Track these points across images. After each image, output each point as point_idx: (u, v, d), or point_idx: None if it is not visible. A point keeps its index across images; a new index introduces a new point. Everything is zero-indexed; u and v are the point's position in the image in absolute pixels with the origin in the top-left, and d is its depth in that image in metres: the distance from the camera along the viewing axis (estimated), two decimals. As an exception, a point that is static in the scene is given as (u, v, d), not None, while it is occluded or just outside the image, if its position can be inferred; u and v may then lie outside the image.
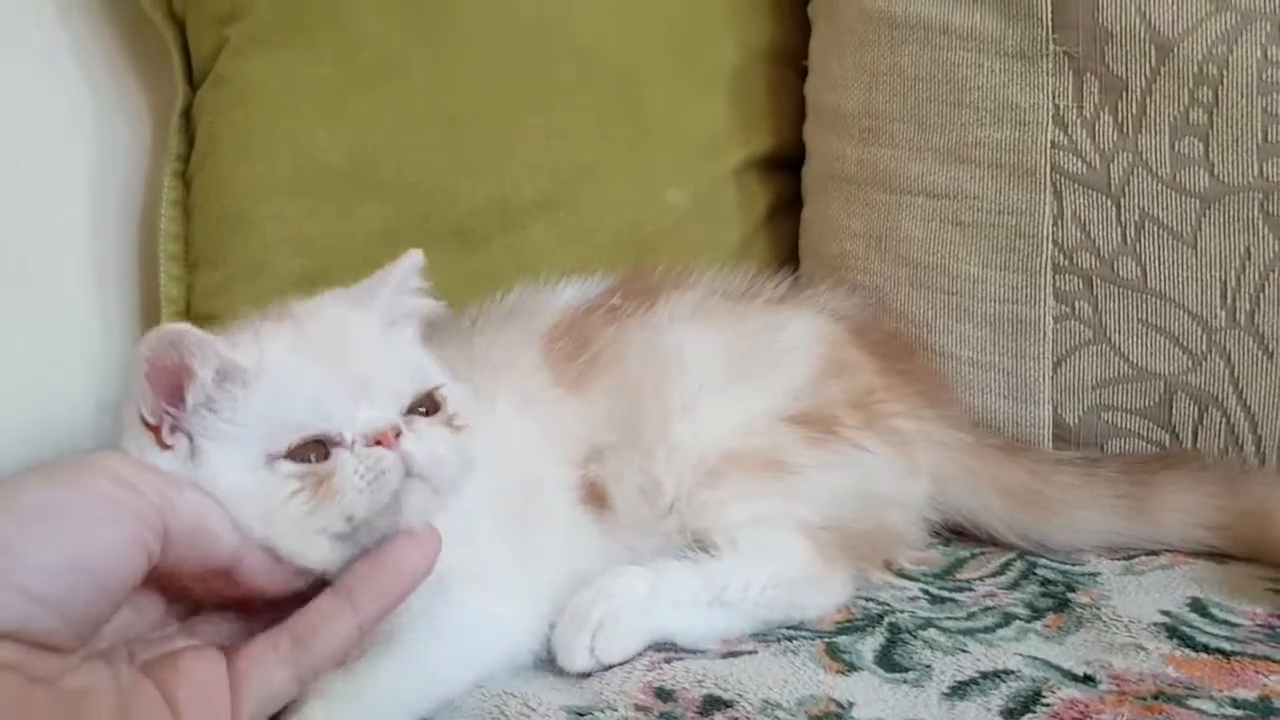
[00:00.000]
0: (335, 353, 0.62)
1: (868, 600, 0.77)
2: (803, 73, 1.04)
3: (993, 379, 0.92)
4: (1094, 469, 0.85)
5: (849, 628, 0.73)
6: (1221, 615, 0.73)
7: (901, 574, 0.82)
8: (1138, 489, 0.84)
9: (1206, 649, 0.68)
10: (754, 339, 0.83)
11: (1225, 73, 0.84)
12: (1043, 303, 0.90)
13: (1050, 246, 0.89)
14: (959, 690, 0.65)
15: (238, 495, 0.58)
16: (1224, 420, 0.87)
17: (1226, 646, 0.68)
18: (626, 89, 0.99)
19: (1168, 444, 0.89)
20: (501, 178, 0.95)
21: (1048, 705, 0.62)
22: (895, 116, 0.94)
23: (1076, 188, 0.88)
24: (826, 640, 0.71)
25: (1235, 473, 0.85)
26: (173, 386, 0.58)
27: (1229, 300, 0.86)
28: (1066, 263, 0.89)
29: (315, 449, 0.59)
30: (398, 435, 0.60)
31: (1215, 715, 0.61)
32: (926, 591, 0.79)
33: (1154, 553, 0.83)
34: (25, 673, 0.49)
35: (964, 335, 0.92)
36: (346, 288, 0.68)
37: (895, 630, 0.72)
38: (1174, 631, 0.70)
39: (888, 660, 0.69)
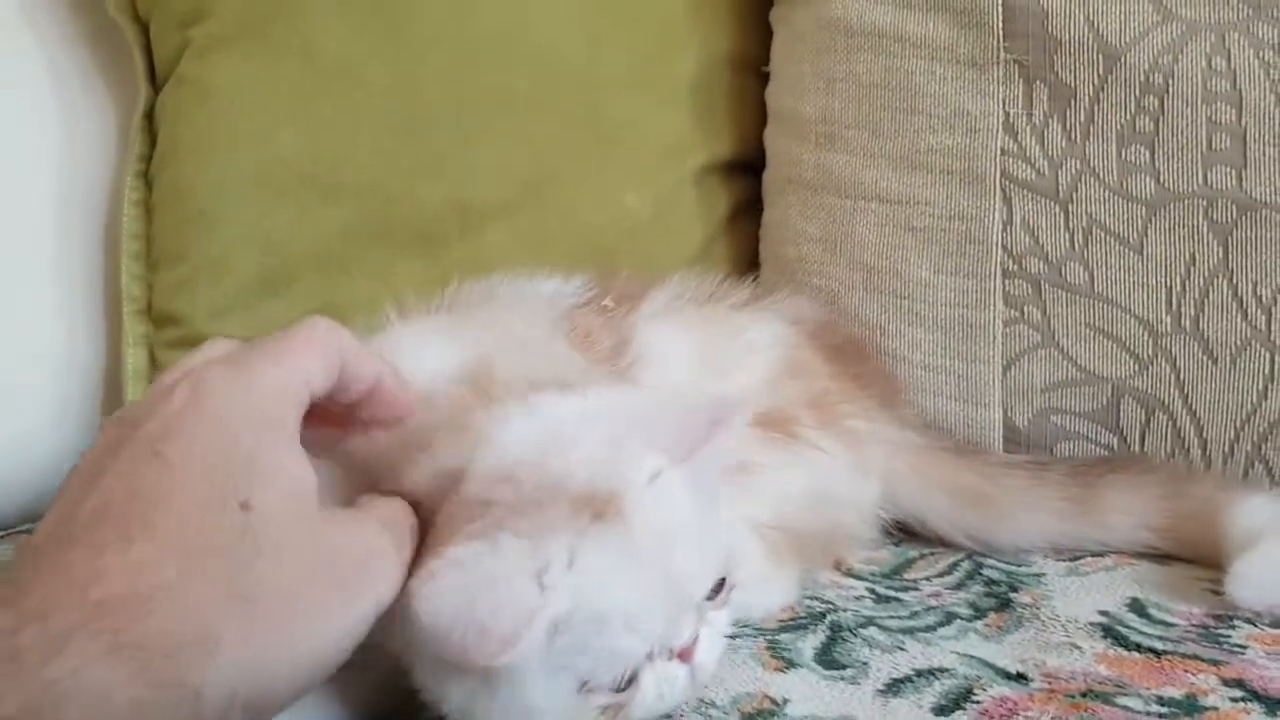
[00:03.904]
0: (665, 553, 0.54)
1: (812, 599, 0.78)
2: (764, 78, 1.06)
3: (944, 382, 0.93)
4: (1041, 472, 0.86)
5: (791, 626, 0.74)
6: (1158, 615, 0.74)
7: (850, 573, 0.83)
8: (1084, 491, 0.85)
9: (1139, 648, 0.69)
10: (718, 341, 0.84)
11: (1171, 82, 0.85)
12: (992, 307, 0.91)
13: (1000, 252, 0.90)
14: (893, 687, 0.66)
15: (534, 713, 0.53)
16: (1170, 424, 0.88)
17: (1159, 646, 0.69)
18: (587, 94, 1.00)
19: (1116, 447, 0.90)
20: (461, 181, 0.96)
21: (978, 702, 0.63)
22: (851, 123, 0.96)
23: (1025, 194, 0.89)
24: (769, 638, 0.72)
25: (1180, 476, 0.86)
26: None
27: (1174, 305, 0.87)
28: (1015, 268, 0.90)
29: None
30: (695, 640, 0.57)
31: (1141, 712, 0.62)
32: (873, 591, 0.80)
33: (1100, 554, 0.84)
34: None
35: (915, 339, 0.94)
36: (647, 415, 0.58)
37: (836, 628, 0.73)
38: (1109, 631, 0.71)
39: (826, 658, 0.70)
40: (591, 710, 0.55)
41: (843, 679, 0.67)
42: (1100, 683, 0.65)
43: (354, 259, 0.93)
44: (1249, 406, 0.86)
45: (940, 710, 0.63)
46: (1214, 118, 0.85)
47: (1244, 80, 0.84)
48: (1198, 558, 0.81)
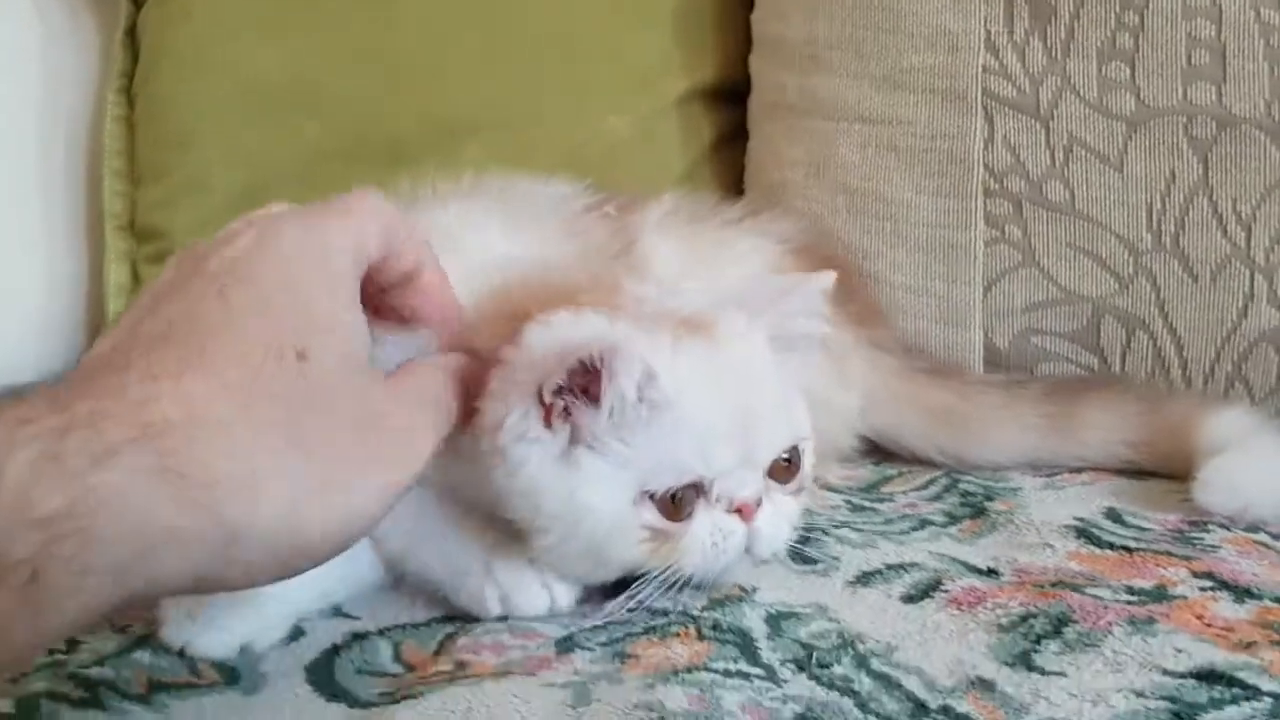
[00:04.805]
0: (742, 389, 0.59)
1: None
2: (749, 3, 1.05)
3: (925, 304, 0.93)
4: (1018, 390, 0.86)
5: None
6: (1134, 521, 0.74)
7: (827, 488, 0.83)
8: (1061, 408, 0.85)
9: (1112, 546, 0.69)
10: (708, 252, 0.84)
11: (1151, -3, 0.85)
12: (974, 227, 0.91)
13: (981, 170, 0.90)
14: (863, 579, 0.66)
15: (587, 515, 0.57)
16: (1151, 343, 0.88)
17: (1131, 544, 0.69)
18: (567, 14, 1.00)
19: (1096, 368, 0.90)
20: (437, 99, 0.96)
21: (946, 591, 0.63)
22: (834, 44, 0.95)
23: (1007, 111, 0.89)
24: (742, 538, 0.72)
25: (1159, 393, 0.86)
26: (587, 382, 0.56)
27: (1154, 223, 0.87)
28: (997, 186, 0.90)
29: (684, 493, 0.58)
30: (758, 505, 0.60)
31: (1109, 600, 0.62)
32: (849, 502, 0.80)
33: (1077, 470, 0.84)
34: None
35: (898, 260, 0.94)
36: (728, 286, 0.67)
37: (810, 529, 0.73)
38: (1083, 532, 0.71)
39: (799, 554, 0.69)
40: (639, 530, 0.57)
41: (813, 572, 0.67)
42: (1072, 576, 0.65)
43: (332, 175, 0.92)
44: (1229, 325, 0.86)
45: (908, 599, 0.63)
46: (1194, 33, 0.84)
47: (1224, -6, 0.84)
48: (1176, 472, 0.81)
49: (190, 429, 0.42)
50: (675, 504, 0.58)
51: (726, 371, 0.59)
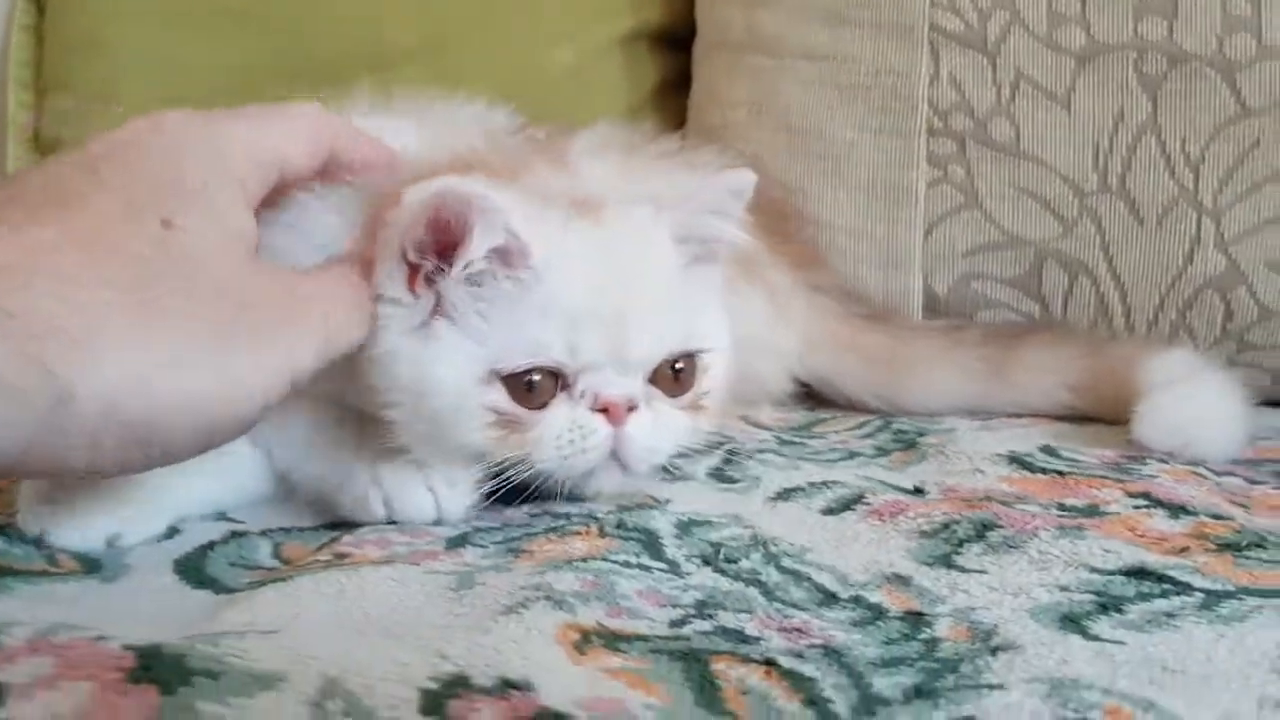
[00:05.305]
0: (626, 280, 0.56)
1: (711, 433, 0.74)
2: (695, -54, 1.02)
3: (865, 247, 0.90)
4: (957, 334, 0.84)
5: (685, 453, 0.70)
6: (1069, 455, 0.70)
7: (757, 425, 0.80)
8: (1000, 352, 0.82)
9: (1045, 471, 0.66)
10: (636, 179, 0.81)
11: (1102, -71, 0.83)
12: (916, 166, 0.88)
13: (925, 108, 0.87)
14: (783, 495, 0.62)
15: (433, 389, 0.53)
16: (1094, 289, 0.85)
17: (1065, 470, 0.66)
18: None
19: (1037, 315, 0.87)
20: (374, 23, 0.93)
21: (868, 505, 0.60)
22: (780, -22, 0.92)
23: (954, 46, 0.86)
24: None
25: (1100, 338, 0.84)
26: (447, 242, 0.53)
27: (1101, 163, 0.84)
28: (941, 125, 0.87)
29: (541, 379, 0.54)
30: (631, 410, 0.56)
31: (1038, 514, 0.58)
32: (778, 438, 0.76)
33: (1016, 415, 0.81)
34: None
35: (838, 202, 0.90)
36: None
37: (733, 453, 0.69)
38: (1016, 459, 0.68)
39: (720, 475, 0.66)
40: (484, 412, 0.54)
41: (733, 490, 0.63)
42: (1002, 495, 0.62)
43: (256, 93, 0.88)
44: (1174, 270, 0.84)
45: (829, 511, 0.60)
46: (1146, -34, 0.82)
47: (1176, -73, 0.82)
48: (1118, 418, 0.78)
49: (26, 274, 0.39)
50: (529, 390, 0.54)
51: (612, 259, 0.56)
